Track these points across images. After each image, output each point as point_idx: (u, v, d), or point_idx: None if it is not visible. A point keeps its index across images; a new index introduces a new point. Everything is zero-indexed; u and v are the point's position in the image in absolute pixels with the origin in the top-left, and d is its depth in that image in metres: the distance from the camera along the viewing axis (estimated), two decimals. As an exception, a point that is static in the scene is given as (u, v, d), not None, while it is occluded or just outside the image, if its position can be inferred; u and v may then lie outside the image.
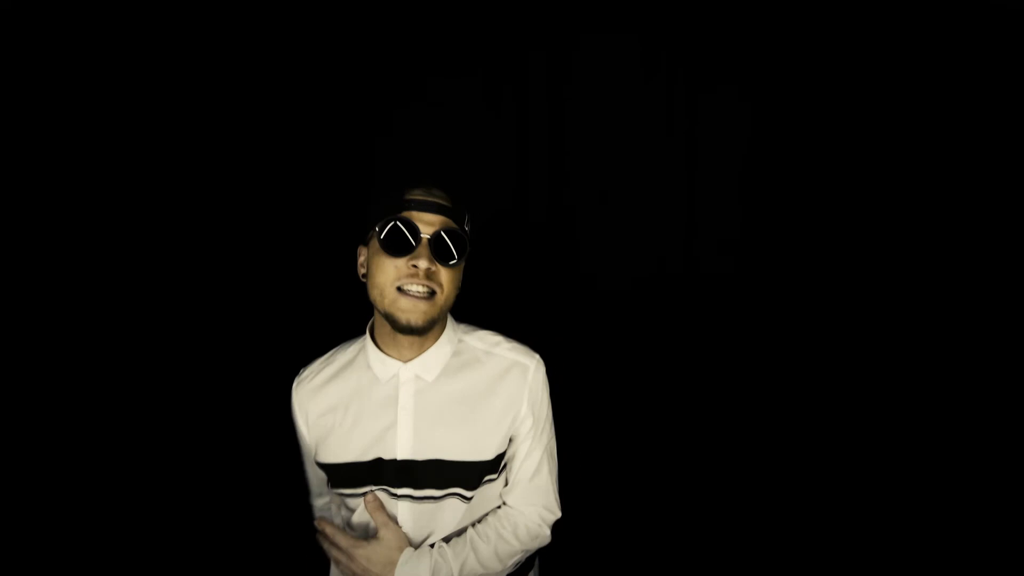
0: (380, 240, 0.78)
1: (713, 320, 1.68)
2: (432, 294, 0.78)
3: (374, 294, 0.81)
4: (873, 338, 1.61)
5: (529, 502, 0.88)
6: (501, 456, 0.85)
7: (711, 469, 1.68)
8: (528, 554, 0.88)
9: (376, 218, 0.80)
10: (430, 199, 0.80)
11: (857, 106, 1.58)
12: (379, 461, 0.82)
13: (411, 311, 0.77)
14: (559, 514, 0.90)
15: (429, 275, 0.78)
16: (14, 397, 1.32)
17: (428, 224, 0.79)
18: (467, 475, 0.83)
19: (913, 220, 1.57)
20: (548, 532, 0.89)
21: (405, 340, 0.83)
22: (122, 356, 1.43)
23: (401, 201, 0.79)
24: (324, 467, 0.88)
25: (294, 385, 0.93)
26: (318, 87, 1.53)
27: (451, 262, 0.79)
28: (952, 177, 1.54)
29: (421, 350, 0.84)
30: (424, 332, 0.80)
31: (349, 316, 1.58)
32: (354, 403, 0.85)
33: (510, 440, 0.87)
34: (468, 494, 0.83)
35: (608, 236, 1.66)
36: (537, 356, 0.89)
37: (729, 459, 1.68)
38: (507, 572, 0.86)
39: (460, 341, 0.89)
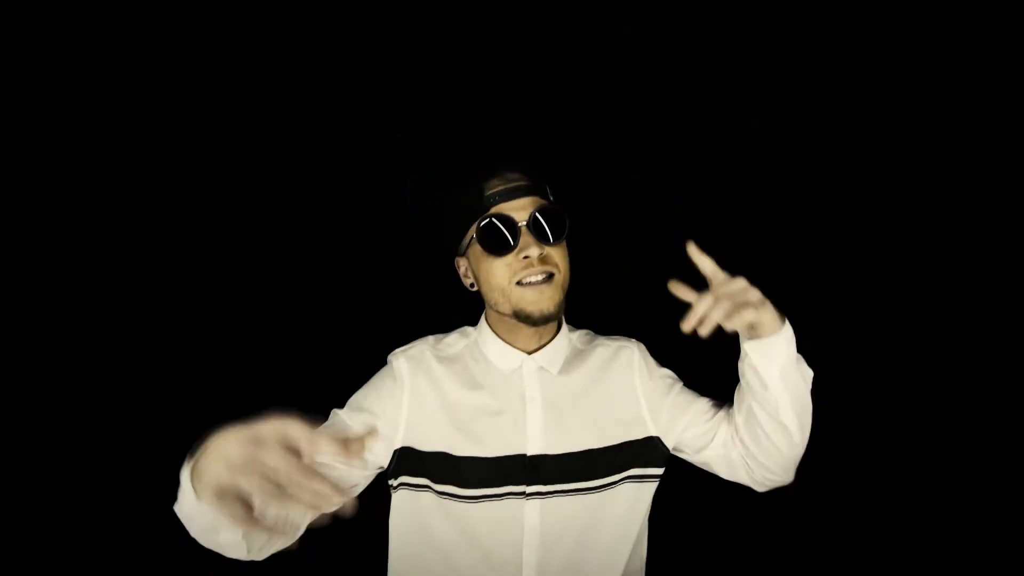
0: (481, 244, 0.75)
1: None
2: (551, 276, 0.76)
3: (494, 297, 0.78)
4: (877, 343, 1.61)
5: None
6: (636, 446, 0.82)
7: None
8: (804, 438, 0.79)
9: (464, 225, 0.77)
10: (512, 185, 0.77)
11: (861, 107, 1.58)
12: (506, 458, 0.76)
13: (539, 300, 0.75)
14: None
15: (544, 260, 0.76)
16: (16, 397, 1.32)
17: (520, 210, 0.76)
18: (605, 462, 0.79)
19: (918, 220, 1.57)
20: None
21: (530, 331, 0.80)
22: (128, 355, 1.43)
23: (484, 199, 0.76)
24: (419, 455, 0.77)
25: (396, 356, 0.84)
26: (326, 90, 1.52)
27: (557, 239, 0.76)
28: (958, 178, 1.54)
29: (542, 343, 0.83)
30: (556, 317, 0.79)
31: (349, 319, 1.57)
32: (471, 395, 0.79)
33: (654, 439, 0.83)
34: (591, 485, 0.78)
35: (606, 237, 1.66)
36: (636, 341, 0.91)
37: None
38: (803, 437, 0.79)
39: (570, 339, 0.89)
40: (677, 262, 1.66)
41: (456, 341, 0.87)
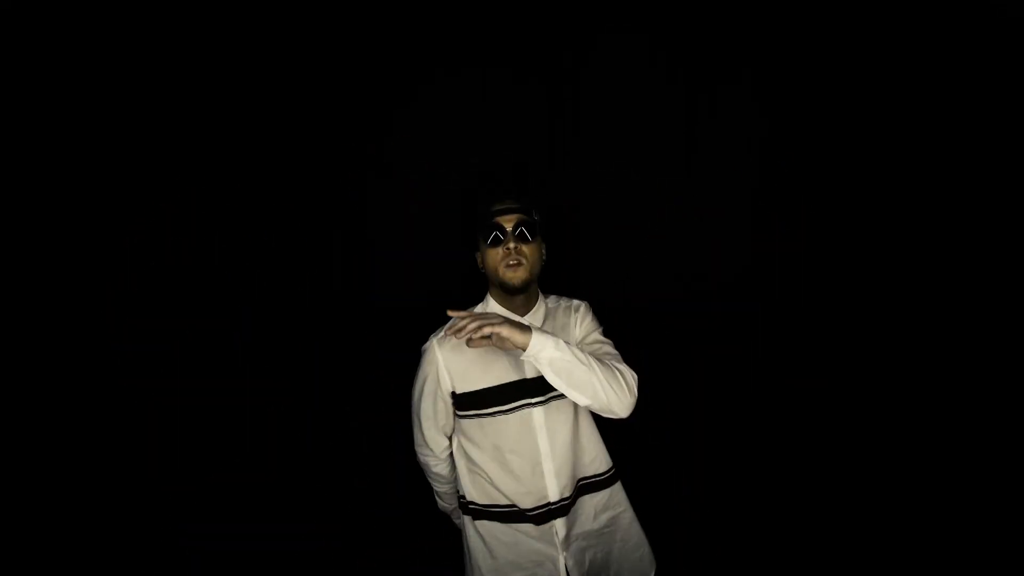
0: (486, 242, 1.22)
1: (726, 328, 1.68)
2: (520, 263, 1.19)
3: (490, 273, 1.23)
4: (887, 346, 1.60)
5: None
6: None
7: (717, 473, 1.68)
8: (615, 391, 1.10)
9: (481, 232, 1.24)
10: (505, 207, 1.23)
11: (860, 107, 1.58)
12: (522, 381, 1.20)
13: (513, 276, 1.19)
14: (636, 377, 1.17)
15: (517, 252, 1.19)
16: (22, 397, 1.32)
17: (509, 222, 1.21)
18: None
19: (922, 221, 1.57)
20: (635, 388, 1.14)
21: (518, 300, 1.24)
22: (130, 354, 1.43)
23: (491, 213, 1.23)
24: (467, 395, 1.21)
25: (433, 343, 1.24)
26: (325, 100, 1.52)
27: (529, 240, 1.21)
28: (959, 178, 1.53)
29: (528, 310, 1.27)
30: (525, 289, 1.21)
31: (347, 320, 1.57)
32: (483, 350, 1.18)
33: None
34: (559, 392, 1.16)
35: (614, 241, 1.67)
36: (584, 302, 1.34)
37: (735, 461, 1.68)
38: (598, 396, 1.10)
39: (546, 306, 1.32)
40: (676, 262, 1.69)
41: (432, 350, 1.25)
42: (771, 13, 1.56)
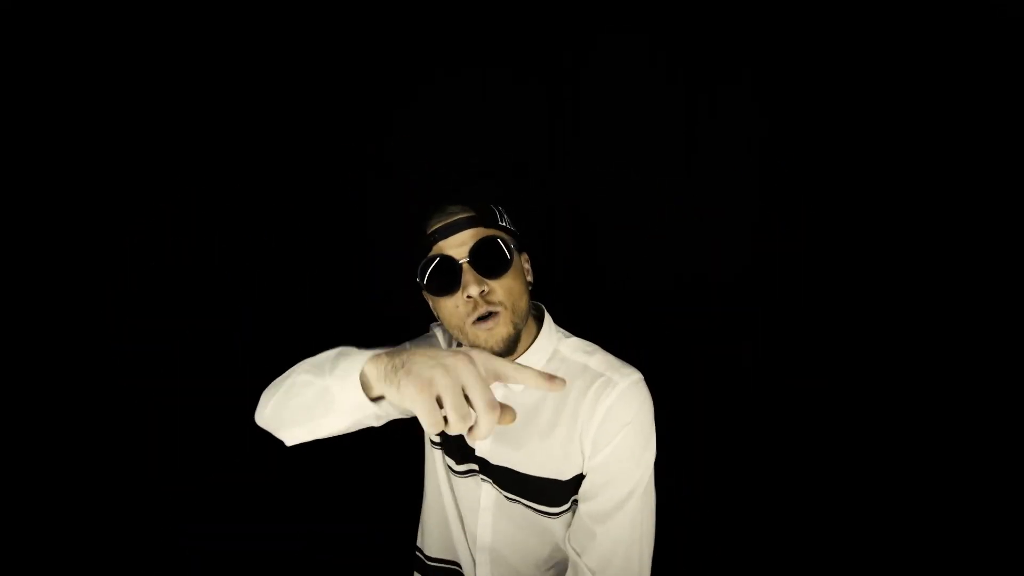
0: (425, 286, 0.75)
1: (726, 328, 1.68)
2: (493, 313, 0.73)
3: (455, 335, 0.77)
4: (890, 342, 1.60)
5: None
6: (567, 486, 0.77)
7: (716, 474, 1.68)
8: None
9: (415, 264, 0.76)
10: (451, 220, 0.74)
11: (868, 108, 1.58)
12: (465, 444, 0.84)
13: (488, 338, 0.72)
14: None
15: (486, 299, 0.72)
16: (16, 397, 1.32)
17: (460, 246, 0.73)
18: (539, 491, 0.77)
19: (923, 221, 1.57)
20: None
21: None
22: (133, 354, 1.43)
23: (426, 237, 0.75)
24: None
25: (437, 331, 0.91)
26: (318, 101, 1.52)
27: (498, 273, 0.72)
28: (959, 178, 1.53)
29: (512, 358, 0.78)
30: (512, 351, 0.76)
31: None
32: None
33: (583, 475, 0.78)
34: (541, 508, 0.78)
35: (613, 241, 1.67)
36: (636, 374, 0.77)
37: (735, 462, 1.68)
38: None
39: (556, 351, 0.81)
40: (675, 262, 1.69)
41: (435, 336, 0.90)
42: (771, 13, 1.56)
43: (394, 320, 1.57)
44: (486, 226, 0.75)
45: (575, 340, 0.83)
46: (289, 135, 1.52)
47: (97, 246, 1.41)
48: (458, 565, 0.89)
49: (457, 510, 0.87)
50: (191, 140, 1.47)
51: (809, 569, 1.58)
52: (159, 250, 1.46)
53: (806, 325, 1.65)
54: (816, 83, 1.58)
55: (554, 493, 0.77)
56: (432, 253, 0.74)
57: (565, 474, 0.76)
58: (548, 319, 0.84)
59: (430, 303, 0.81)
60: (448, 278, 0.72)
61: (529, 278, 0.82)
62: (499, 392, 0.79)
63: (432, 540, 0.92)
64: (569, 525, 0.78)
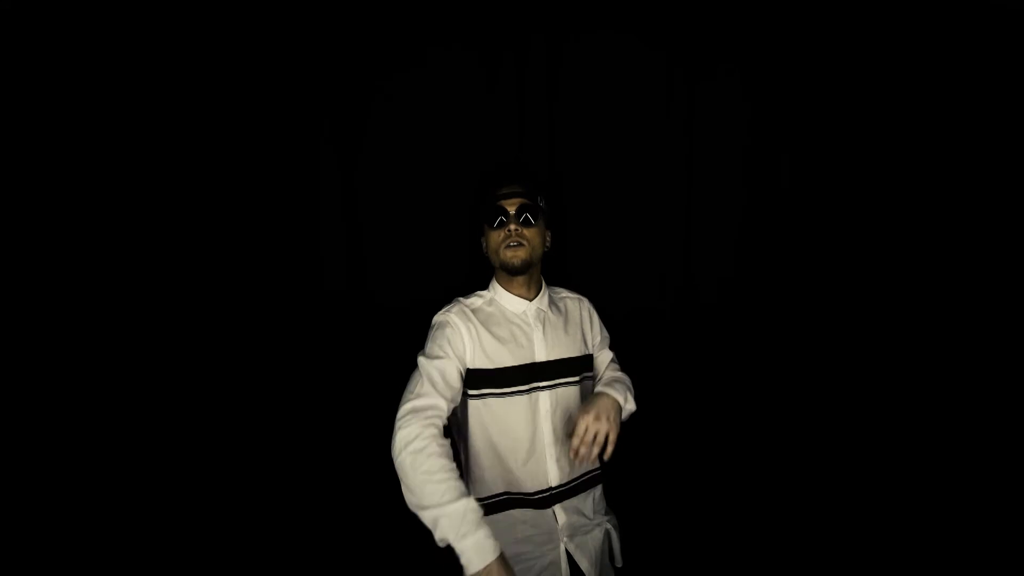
0: (488, 223, 1.27)
1: (713, 326, 1.68)
2: (521, 244, 1.24)
3: (492, 255, 1.29)
4: (880, 344, 1.60)
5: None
6: (589, 356, 1.36)
7: (716, 474, 1.68)
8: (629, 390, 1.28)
9: (484, 214, 1.29)
10: (509, 190, 1.28)
11: (861, 105, 1.57)
12: (530, 365, 1.24)
13: (513, 256, 1.24)
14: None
15: (518, 234, 1.24)
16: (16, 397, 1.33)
17: (512, 205, 1.26)
18: (575, 367, 1.30)
19: (919, 221, 1.56)
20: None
21: (520, 281, 1.28)
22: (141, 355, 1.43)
23: (496, 197, 1.28)
24: (481, 372, 1.21)
25: (451, 316, 1.23)
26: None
27: (530, 223, 1.26)
28: (961, 178, 1.53)
29: (534, 294, 1.31)
30: (525, 270, 1.26)
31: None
32: (499, 328, 1.25)
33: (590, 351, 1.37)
34: (573, 380, 1.29)
35: (602, 238, 1.66)
36: (582, 296, 1.43)
37: (735, 462, 1.68)
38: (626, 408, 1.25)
39: (548, 292, 1.36)
40: (676, 270, 1.68)
41: (476, 300, 1.31)
42: (763, 11, 1.55)
43: (391, 311, 1.57)
44: (528, 199, 1.27)
45: (554, 287, 1.42)
46: (282, 133, 1.52)
47: (96, 245, 1.40)
48: (509, 493, 1.22)
49: (518, 432, 1.21)
50: (189, 139, 1.46)
51: (808, 569, 1.59)
52: (158, 249, 1.45)
53: (803, 325, 1.65)
54: (811, 83, 1.57)
55: (580, 365, 1.31)
56: (498, 204, 1.26)
57: (583, 351, 1.34)
58: (542, 279, 1.37)
59: (484, 236, 1.31)
60: (500, 221, 1.25)
61: (548, 242, 1.34)
62: (538, 314, 1.31)
63: (519, 477, 1.21)
64: (579, 392, 1.31)
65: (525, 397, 1.22)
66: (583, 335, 1.34)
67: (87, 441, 1.39)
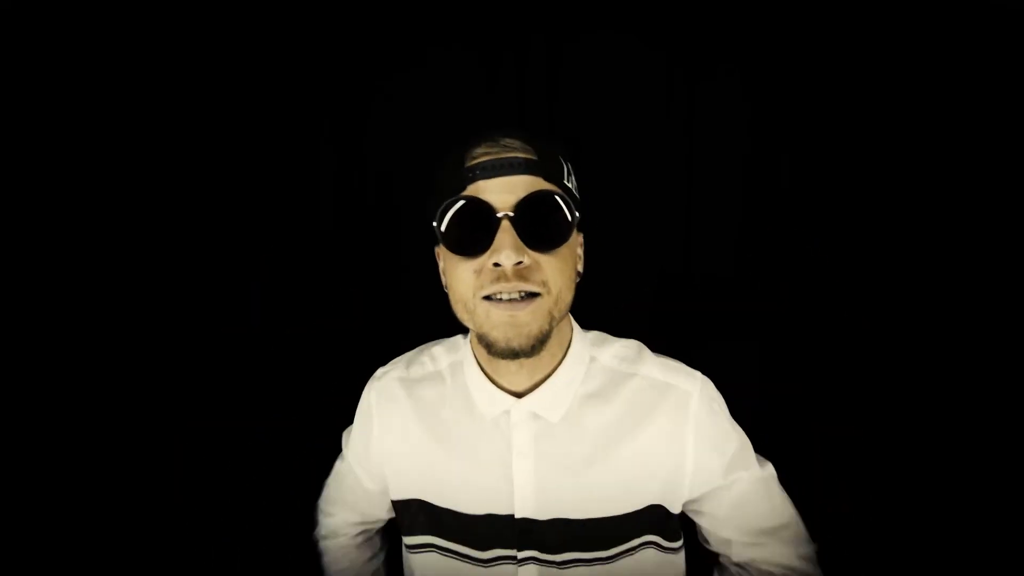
0: (442, 236, 0.54)
1: (713, 325, 1.68)
2: (533, 296, 0.53)
3: (458, 311, 0.58)
4: (880, 339, 1.60)
5: (776, 551, 0.66)
6: (658, 511, 0.64)
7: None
8: None
9: (438, 205, 0.54)
10: (503, 156, 0.53)
11: (862, 105, 1.57)
12: (490, 517, 0.61)
13: (508, 327, 0.52)
14: (813, 547, 0.67)
15: (521, 273, 0.52)
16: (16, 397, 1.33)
17: (507, 194, 0.51)
18: (607, 534, 0.62)
19: (919, 218, 1.56)
20: None
21: (513, 365, 0.58)
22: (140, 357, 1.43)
23: (462, 171, 0.53)
24: (405, 505, 0.65)
25: (370, 384, 0.72)
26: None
27: (553, 244, 0.53)
28: (961, 178, 1.52)
29: (538, 377, 0.60)
30: (534, 352, 0.56)
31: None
32: (451, 435, 0.63)
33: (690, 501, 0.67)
34: (598, 555, 0.61)
35: (602, 238, 1.65)
36: (700, 376, 0.67)
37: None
38: None
39: (592, 360, 0.64)
40: (676, 262, 1.68)
41: (441, 357, 0.68)
42: (763, 11, 1.55)
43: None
44: (547, 177, 0.53)
45: (617, 343, 0.66)
46: (281, 134, 1.52)
47: (96, 244, 1.41)
48: None
49: None
50: (190, 138, 1.46)
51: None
52: (158, 248, 1.46)
53: (801, 326, 1.65)
54: (810, 82, 1.57)
55: (619, 531, 0.63)
56: (464, 194, 0.52)
57: (632, 505, 0.62)
58: (574, 324, 0.66)
59: (440, 262, 0.60)
60: (477, 232, 0.51)
61: (580, 267, 0.63)
62: (530, 429, 0.61)
63: None
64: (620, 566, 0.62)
65: (498, 569, 0.63)
66: (674, 470, 0.65)
67: (86, 441, 1.39)
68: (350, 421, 0.83)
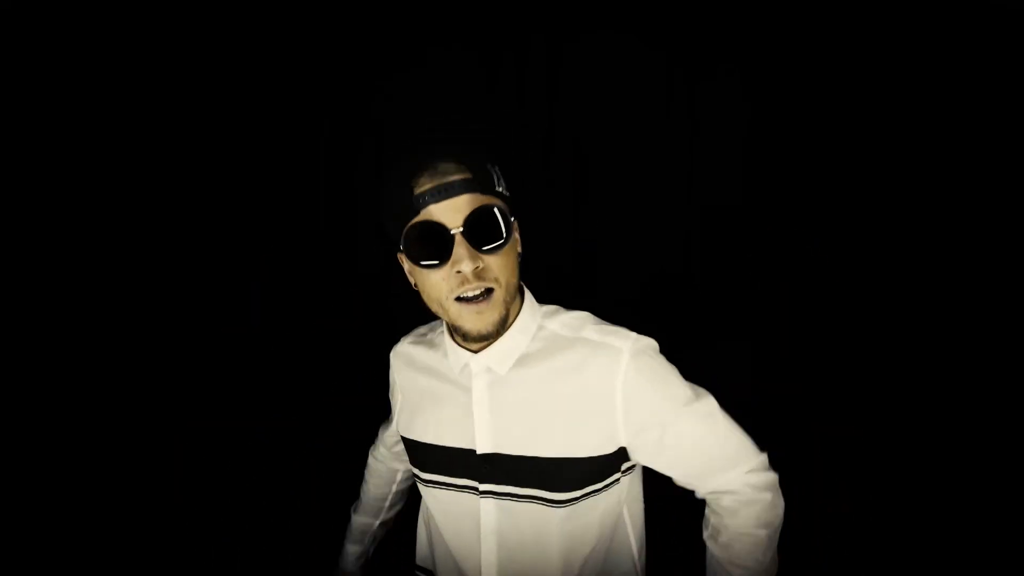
0: (409, 255, 0.66)
1: (712, 326, 1.68)
2: (490, 291, 0.66)
3: (434, 309, 0.70)
4: (880, 338, 1.60)
5: (721, 480, 0.73)
6: (602, 461, 0.72)
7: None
8: (778, 530, 0.72)
9: (397, 225, 0.67)
10: (444, 182, 0.65)
11: (861, 104, 1.56)
12: (459, 450, 0.75)
13: (477, 320, 0.66)
14: (763, 455, 0.73)
15: (479, 274, 0.65)
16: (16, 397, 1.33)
17: (454, 213, 0.64)
18: (554, 474, 0.71)
19: (919, 218, 1.56)
20: (768, 495, 0.71)
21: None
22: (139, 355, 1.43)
23: (411, 200, 0.65)
24: (407, 443, 0.82)
25: (392, 352, 0.88)
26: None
27: (495, 245, 0.65)
28: (956, 171, 1.52)
29: (492, 340, 0.72)
30: (496, 335, 0.70)
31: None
32: (434, 386, 0.80)
33: (622, 449, 0.72)
34: (553, 497, 0.71)
35: (608, 229, 1.65)
36: (634, 337, 0.71)
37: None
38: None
39: (540, 328, 0.76)
40: (677, 258, 1.68)
41: (435, 328, 0.83)
42: (763, 11, 1.55)
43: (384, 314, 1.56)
44: (483, 192, 0.65)
45: (567, 314, 0.76)
46: (281, 135, 1.52)
47: (96, 243, 1.41)
48: None
49: (463, 539, 0.78)
50: (190, 137, 1.46)
51: (807, 569, 1.58)
52: (158, 247, 1.46)
53: (800, 326, 1.65)
54: (809, 83, 1.57)
55: (569, 474, 0.71)
56: (419, 218, 0.65)
57: (579, 451, 0.71)
58: (530, 299, 0.77)
59: (407, 270, 0.73)
60: (436, 248, 0.65)
61: (519, 249, 0.73)
62: (485, 379, 0.75)
63: (449, 569, 0.82)
64: (570, 521, 0.72)
65: (466, 497, 0.76)
66: (604, 421, 0.72)
67: (87, 441, 1.39)
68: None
